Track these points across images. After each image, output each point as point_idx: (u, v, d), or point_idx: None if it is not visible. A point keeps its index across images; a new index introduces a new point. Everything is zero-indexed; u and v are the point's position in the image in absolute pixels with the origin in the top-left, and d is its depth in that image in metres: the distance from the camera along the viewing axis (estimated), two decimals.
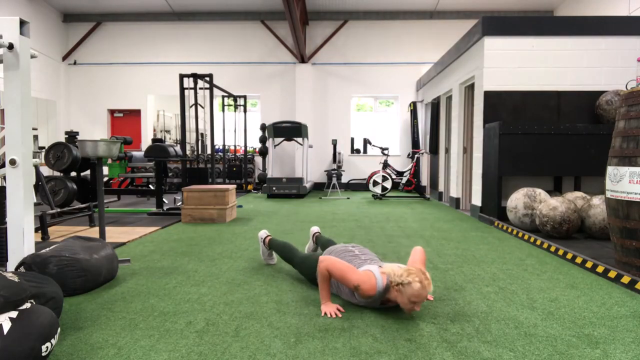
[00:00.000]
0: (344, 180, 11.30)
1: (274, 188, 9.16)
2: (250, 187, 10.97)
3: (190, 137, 11.24)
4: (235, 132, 11.06)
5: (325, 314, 2.45)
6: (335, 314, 2.43)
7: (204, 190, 5.80)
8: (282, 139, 10.19)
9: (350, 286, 2.43)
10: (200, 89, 8.38)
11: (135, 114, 12.01)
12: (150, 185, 8.56)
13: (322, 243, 3.45)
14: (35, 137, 10.02)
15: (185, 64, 11.56)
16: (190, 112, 8.22)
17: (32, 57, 2.88)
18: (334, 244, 3.26)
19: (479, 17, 9.31)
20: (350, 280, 2.42)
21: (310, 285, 2.98)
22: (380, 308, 2.56)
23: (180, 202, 7.41)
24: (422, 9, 11.14)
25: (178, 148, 7.08)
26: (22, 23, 2.75)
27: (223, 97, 10.27)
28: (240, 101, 10.69)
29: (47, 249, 2.87)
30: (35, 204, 6.20)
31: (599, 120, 5.76)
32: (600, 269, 3.27)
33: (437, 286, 2.99)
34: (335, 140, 10.17)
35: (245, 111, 10.63)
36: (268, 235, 3.56)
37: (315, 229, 3.70)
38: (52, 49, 11.35)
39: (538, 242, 4.30)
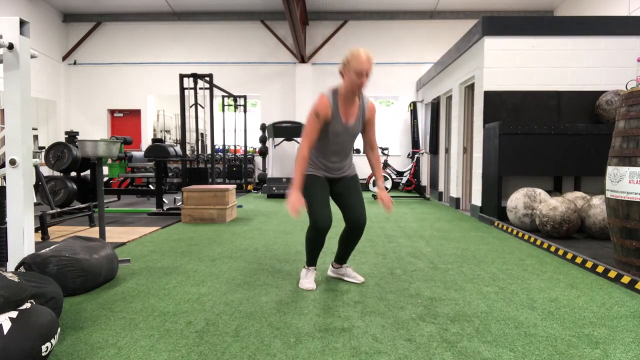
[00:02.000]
0: None
1: (274, 188, 9.16)
2: (250, 187, 10.97)
3: (190, 137, 11.24)
4: (235, 132, 11.06)
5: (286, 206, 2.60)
6: (294, 211, 2.54)
7: (204, 190, 5.80)
8: (282, 139, 10.19)
9: (313, 118, 2.67)
10: (200, 89, 8.38)
11: (135, 114, 12.01)
12: (150, 185, 8.56)
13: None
14: (35, 137, 10.02)
15: (185, 64, 11.56)
16: (190, 112, 8.22)
17: (32, 57, 2.88)
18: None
19: (479, 17, 9.32)
20: (310, 115, 2.69)
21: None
22: (345, 139, 2.78)
23: (180, 202, 7.41)
24: (422, 9, 11.14)
25: (178, 148, 7.08)
26: (22, 23, 2.75)
27: (223, 97, 10.27)
28: (240, 101, 10.69)
29: (47, 249, 2.87)
30: (35, 204, 6.21)
31: (599, 120, 5.76)
32: (600, 269, 3.27)
33: (437, 286, 2.99)
34: None
35: (245, 111, 10.63)
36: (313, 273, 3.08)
37: None
38: (52, 49, 11.35)
39: (538, 242, 4.30)
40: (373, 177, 8.87)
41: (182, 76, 7.04)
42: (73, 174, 6.74)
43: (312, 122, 2.71)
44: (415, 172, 9.71)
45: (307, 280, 2.98)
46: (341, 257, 3.08)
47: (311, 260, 3.00)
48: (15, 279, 1.93)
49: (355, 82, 2.62)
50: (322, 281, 3.10)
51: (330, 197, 2.93)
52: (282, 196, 9.37)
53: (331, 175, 2.92)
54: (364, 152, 10.23)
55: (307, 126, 2.73)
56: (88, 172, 7.33)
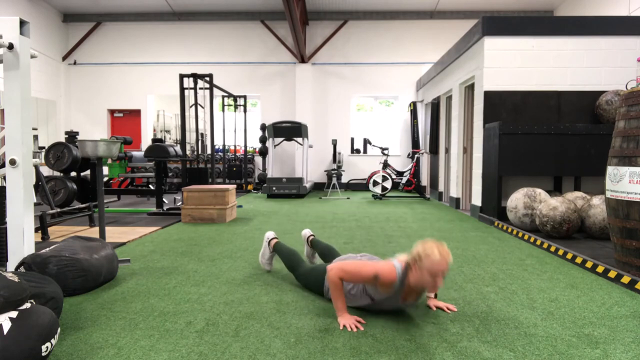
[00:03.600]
0: (344, 180, 11.31)
1: (274, 188, 9.16)
2: (250, 187, 10.97)
3: (190, 137, 11.24)
4: (235, 132, 11.06)
5: (344, 327, 2.27)
6: (356, 327, 2.26)
7: (204, 190, 5.80)
8: (282, 139, 10.19)
9: (369, 278, 2.27)
10: (200, 89, 8.38)
11: (135, 114, 12.01)
12: (150, 185, 8.56)
13: (320, 249, 3.19)
14: (35, 137, 10.02)
15: (185, 64, 11.56)
16: (190, 112, 8.22)
17: (32, 57, 2.88)
18: (334, 250, 3.11)
19: (479, 17, 9.32)
20: (368, 272, 2.26)
21: None
22: (395, 310, 2.45)
23: (180, 202, 7.41)
24: (422, 9, 11.14)
25: (178, 148, 7.08)
26: (22, 23, 2.75)
27: (223, 97, 10.27)
28: (240, 101, 10.69)
29: (47, 249, 2.87)
30: (35, 204, 6.20)
31: (599, 120, 5.76)
32: (600, 269, 3.27)
33: None
34: (335, 140, 10.17)
35: (245, 111, 10.63)
36: (275, 238, 3.32)
37: (307, 232, 3.44)
38: (52, 49, 11.35)
39: (538, 242, 4.30)
40: (373, 177, 8.87)
41: (182, 76, 7.04)
42: (73, 174, 6.74)
43: (364, 276, 2.31)
44: (415, 172, 9.71)
45: None
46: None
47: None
48: (15, 279, 1.92)
49: (428, 282, 2.22)
50: None
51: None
52: (282, 196, 9.37)
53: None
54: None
55: (359, 272, 2.32)
56: (88, 172, 7.33)
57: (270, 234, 3.36)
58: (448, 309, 2.52)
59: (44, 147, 8.21)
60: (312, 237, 3.40)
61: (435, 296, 2.63)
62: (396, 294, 2.33)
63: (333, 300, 2.39)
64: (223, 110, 10.35)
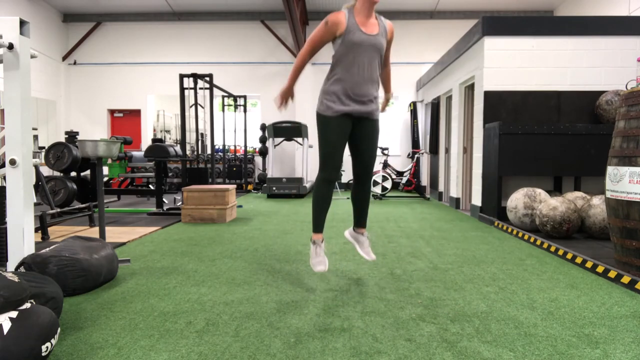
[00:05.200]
0: (344, 180, 11.30)
1: (274, 188, 9.16)
2: (250, 187, 10.97)
3: (190, 137, 11.24)
4: (235, 132, 11.06)
5: (279, 99, 2.78)
6: (283, 101, 2.75)
7: (204, 190, 5.80)
8: (282, 139, 10.19)
9: (322, 27, 2.62)
10: (200, 89, 8.38)
11: (135, 114, 12.01)
12: (150, 185, 8.56)
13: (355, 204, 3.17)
14: (35, 137, 10.02)
15: (185, 64, 11.56)
16: (190, 112, 8.22)
17: (32, 57, 2.88)
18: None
19: (479, 17, 9.31)
20: (319, 27, 2.64)
21: (310, 286, 2.98)
22: (369, 56, 2.74)
23: (180, 202, 7.41)
24: (422, 9, 11.14)
25: (178, 148, 7.08)
26: (22, 23, 2.75)
27: (223, 97, 10.27)
28: (240, 101, 10.69)
29: (47, 249, 2.87)
30: (35, 204, 6.20)
31: (599, 120, 5.76)
32: (600, 269, 3.27)
33: (437, 286, 2.99)
34: None
35: (245, 111, 10.63)
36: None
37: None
38: (52, 49, 11.35)
39: (538, 242, 4.30)
40: (373, 177, 8.84)
41: (182, 76, 7.04)
42: (73, 174, 6.74)
43: (319, 29, 2.69)
44: (415, 172, 9.71)
45: (318, 259, 2.82)
46: (357, 219, 3.15)
47: (317, 225, 2.87)
48: (15, 279, 1.92)
49: None
50: (322, 281, 3.10)
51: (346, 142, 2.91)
52: (282, 196, 9.37)
53: (357, 107, 2.77)
54: None
55: (313, 34, 2.73)
56: (88, 172, 7.33)
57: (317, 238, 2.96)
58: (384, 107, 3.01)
59: (44, 147, 8.21)
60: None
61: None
62: (353, 28, 2.66)
63: (290, 76, 2.79)
64: (223, 110, 10.35)
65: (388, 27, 2.89)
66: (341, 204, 8.02)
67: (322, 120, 2.80)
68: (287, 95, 2.76)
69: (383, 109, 3.05)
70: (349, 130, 2.84)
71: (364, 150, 2.90)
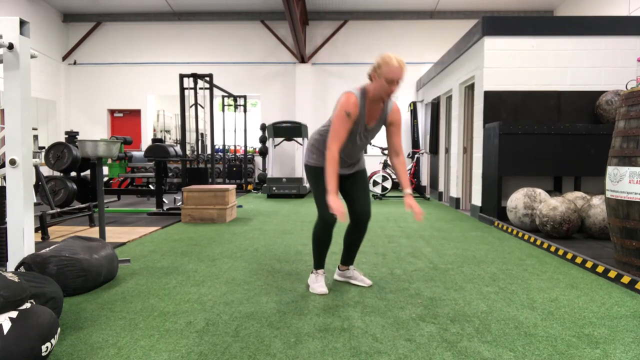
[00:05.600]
0: None
1: (274, 188, 9.16)
2: (250, 187, 10.97)
3: (190, 137, 11.24)
4: (235, 132, 11.06)
5: (332, 210, 2.48)
6: (340, 212, 2.44)
7: (204, 190, 5.80)
8: (282, 139, 10.19)
9: (343, 118, 2.56)
10: (200, 89, 8.38)
11: (135, 114, 12.01)
12: (150, 185, 8.56)
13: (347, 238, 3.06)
14: (35, 137, 10.02)
15: (185, 64, 11.56)
16: (190, 112, 8.22)
17: (32, 57, 2.88)
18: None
19: (479, 17, 9.32)
20: (340, 118, 2.57)
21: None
22: (361, 144, 2.74)
23: (180, 202, 7.41)
24: (422, 9, 11.14)
25: (178, 148, 7.08)
26: (22, 23, 2.75)
27: (223, 97, 10.27)
28: (240, 101, 10.69)
29: (47, 249, 2.87)
30: (35, 204, 6.20)
31: (599, 120, 5.76)
32: (600, 269, 3.27)
33: (437, 286, 2.99)
34: None
35: (245, 111, 10.63)
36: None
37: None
38: (52, 49, 11.35)
39: (538, 242, 4.30)
40: (373, 177, 8.87)
41: (182, 76, 7.04)
42: (73, 174, 6.74)
43: (343, 122, 2.58)
44: (415, 172, 9.71)
45: (319, 284, 2.86)
46: (347, 258, 3.02)
47: (319, 262, 2.91)
48: (15, 279, 1.92)
49: (385, 89, 2.54)
50: None
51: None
52: (282, 196, 9.37)
53: (346, 170, 2.90)
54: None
55: (338, 126, 2.58)
56: (88, 172, 7.33)
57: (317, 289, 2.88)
58: (417, 214, 2.58)
59: (44, 147, 8.22)
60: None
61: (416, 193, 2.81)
62: (360, 119, 2.63)
63: (327, 177, 2.57)
64: (223, 110, 10.35)
65: (392, 111, 2.78)
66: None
67: (314, 170, 2.84)
68: (338, 202, 2.49)
69: (412, 207, 2.64)
70: (339, 182, 2.93)
71: (357, 193, 2.89)
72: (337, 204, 2.47)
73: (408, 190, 2.73)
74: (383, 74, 2.51)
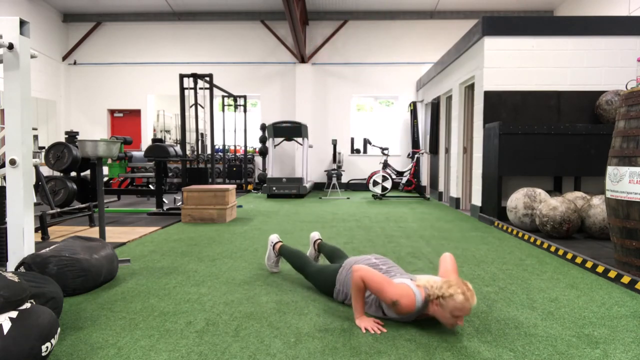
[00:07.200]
0: (344, 180, 11.30)
1: (274, 188, 9.16)
2: (250, 187, 10.97)
3: (190, 137, 11.24)
4: (235, 132, 11.06)
5: (366, 329, 2.23)
6: (379, 330, 2.23)
7: (204, 190, 5.80)
8: (282, 139, 10.19)
9: (388, 301, 2.23)
10: (200, 89, 8.38)
11: (135, 114, 12.01)
12: (150, 185, 8.56)
13: (326, 252, 3.16)
14: (35, 137, 10.01)
15: (185, 64, 11.56)
16: (190, 112, 8.22)
17: (32, 57, 2.88)
18: (341, 252, 3.05)
19: (479, 17, 9.32)
20: (388, 295, 2.21)
21: (310, 286, 2.98)
22: (410, 322, 2.37)
23: (180, 202, 7.41)
24: (422, 9, 11.13)
25: (178, 148, 7.08)
26: (22, 23, 2.75)
27: (223, 97, 10.27)
28: (240, 101, 10.69)
29: (47, 249, 2.87)
30: (35, 204, 6.20)
31: (599, 120, 5.76)
32: (600, 269, 3.27)
33: None
34: (335, 140, 10.17)
35: (245, 111, 10.63)
36: (279, 241, 3.30)
37: (315, 235, 3.42)
38: (52, 49, 11.35)
39: (538, 242, 4.30)
40: (373, 177, 8.87)
41: (182, 76, 7.04)
42: (73, 174, 6.74)
43: (384, 297, 2.25)
44: (415, 172, 9.71)
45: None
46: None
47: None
48: (15, 279, 1.92)
49: (448, 321, 2.18)
50: None
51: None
52: (282, 196, 9.37)
53: None
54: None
55: (380, 291, 2.25)
56: (88, 172, 7.33)
57: (274, 238, 3.35)
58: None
59: (44, 147, 8.22)
60: (319, 240, 3.36)
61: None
62: (410, 317, 2.29)
63: (353, 302, 2.34)
64: (223, 110, 10.35)
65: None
66: (341, 204, 8.02)
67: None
68: (369, 321, 2.30)
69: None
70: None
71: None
72: (369, 324, 2.27)
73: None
74: (449, 308, 2.13)
